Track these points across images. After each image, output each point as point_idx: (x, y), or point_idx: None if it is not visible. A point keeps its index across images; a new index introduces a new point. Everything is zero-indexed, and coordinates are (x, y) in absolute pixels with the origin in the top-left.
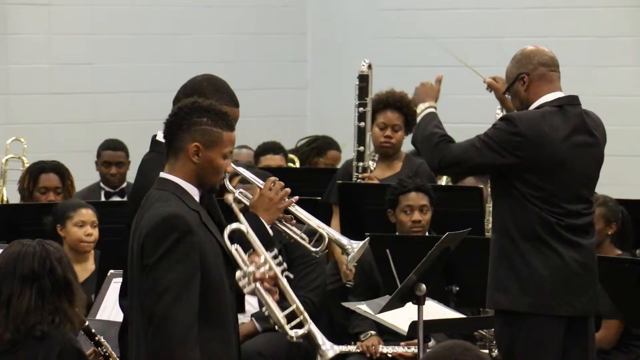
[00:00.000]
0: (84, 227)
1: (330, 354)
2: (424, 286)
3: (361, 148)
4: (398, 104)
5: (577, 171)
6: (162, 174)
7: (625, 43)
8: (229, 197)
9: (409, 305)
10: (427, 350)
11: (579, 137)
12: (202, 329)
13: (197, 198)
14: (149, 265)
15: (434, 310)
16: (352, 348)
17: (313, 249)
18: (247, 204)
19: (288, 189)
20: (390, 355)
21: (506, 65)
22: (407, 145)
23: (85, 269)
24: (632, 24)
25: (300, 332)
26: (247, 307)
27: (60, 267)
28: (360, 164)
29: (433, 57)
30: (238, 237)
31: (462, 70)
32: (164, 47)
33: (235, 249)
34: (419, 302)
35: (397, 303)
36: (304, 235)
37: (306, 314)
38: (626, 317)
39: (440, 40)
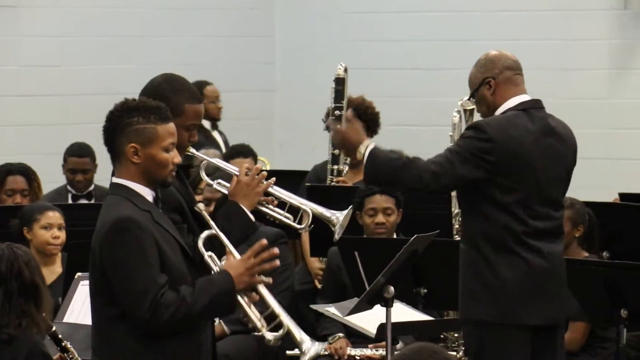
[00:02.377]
0: (50, 229)
1: (312, 351)
2: (392, 288)
3: (336, 151)
4: (355, 112)
5: (547, 172)
6: (113, 179)
7: (597, 46)
8: (200, 205)
9: (377, 307)
10: (395, 352)
11: (546, 138)
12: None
13: (149, 198)
14: (113, 271)
15: (402, 312)
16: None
17: (299, 226)
18: (226, 192)
19: (264, 172)
20: (358, 358)
21: None
22: None
23: (52, 272)
24: (604, 28)
25: (278, 334)
26: None
27: (28, 270)
28: (335, 167)
29: (400, 60)
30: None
31: (424, 73)
32: (132, 49)
33: (209, 256)
34: (387, 304)
35: (365, 305)
36: (287, 215)
37: (284, 315)
38: (593, 319)
39: (408, 43)
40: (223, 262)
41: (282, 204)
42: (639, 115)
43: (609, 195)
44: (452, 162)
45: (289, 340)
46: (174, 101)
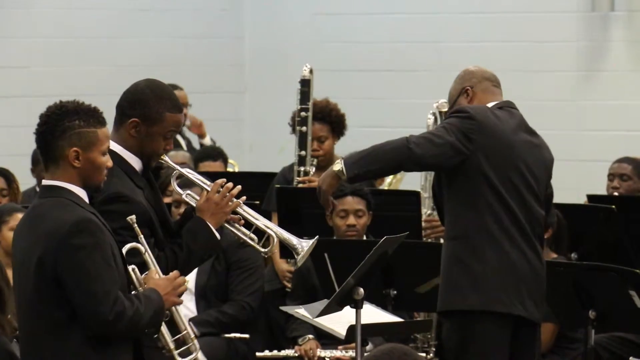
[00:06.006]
0: None
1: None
2: (361, 290)
3: (303, 152)
4: (319, 115)
5: (528, 164)
6: (46, 182)
7: (563, 48)
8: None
9: (347, 309)
10: (365, 354)
11: (524, 134)
12: None
13: (86, 199)
14: (74, 272)
15: (372, 314)
16: (290, 352)
17: (262, 249)
18: (194, 205)
19: (235, 190)
20: (328, 359)
21: (443, 70)
22: (342, 149)
23: None
24: (571, 30)
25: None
26: (185, 311)
27: None
28: (302, 168)
29: (370, 62)
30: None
31: (392, 75)
32: (101, 50)
33: (132, 269)
34: (357, 305)
35: (335, 307)
36: (252, 236)
37: (196, 342)
38: (561, 320)
39: (377, 45)
40: (143, 276)
41: (249, 225)
42: (605, 117)
43: (577, 197)
44: (438, 137)
45: (258, 342)
46: (154, 108)
